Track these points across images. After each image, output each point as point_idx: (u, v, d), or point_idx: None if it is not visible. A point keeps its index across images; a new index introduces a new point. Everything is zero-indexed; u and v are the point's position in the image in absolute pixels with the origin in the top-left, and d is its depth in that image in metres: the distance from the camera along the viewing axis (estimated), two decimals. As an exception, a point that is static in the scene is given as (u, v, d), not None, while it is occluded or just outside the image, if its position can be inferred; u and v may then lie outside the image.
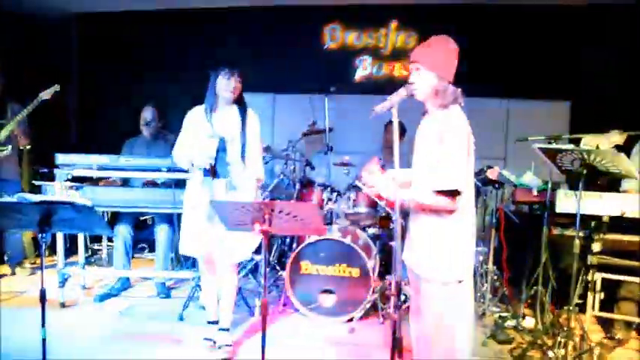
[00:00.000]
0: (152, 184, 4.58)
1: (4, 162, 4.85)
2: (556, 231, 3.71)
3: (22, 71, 5.23)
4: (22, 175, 5.15)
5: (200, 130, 3.40)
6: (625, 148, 3.88)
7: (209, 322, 3.63)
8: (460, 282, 2.45)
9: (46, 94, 4.65)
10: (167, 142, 4.86)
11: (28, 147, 5.07)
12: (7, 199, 2.64)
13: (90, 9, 6.44)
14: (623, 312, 3.66)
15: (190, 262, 4.84)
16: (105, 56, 6.58)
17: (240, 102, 3.47)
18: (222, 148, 3.35)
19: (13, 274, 5.17)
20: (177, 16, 6.40)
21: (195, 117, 3.48)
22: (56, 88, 4.67)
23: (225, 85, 3.36)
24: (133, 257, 4.77)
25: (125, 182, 4.74)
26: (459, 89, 2.47)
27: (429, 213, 2.45)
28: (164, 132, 4.95)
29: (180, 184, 4.23)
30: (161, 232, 4.66)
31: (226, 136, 3.36)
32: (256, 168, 3.48)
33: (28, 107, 4.66)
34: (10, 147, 4.80)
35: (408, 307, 4.10)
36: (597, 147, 3.81)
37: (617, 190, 3.80)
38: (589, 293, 3.53)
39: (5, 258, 5.22)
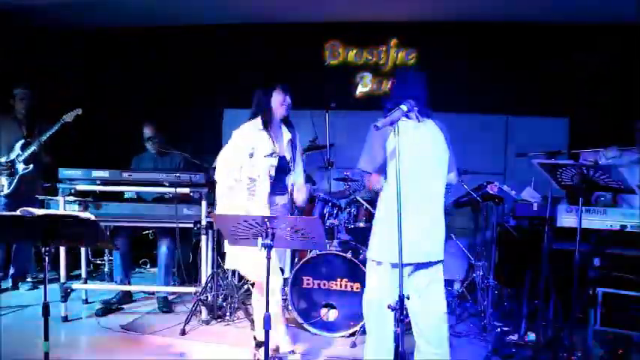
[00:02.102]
0: (160, 199, 4.60)
1: (28, 179, 5.00)
2: (557, 245, 3.71)
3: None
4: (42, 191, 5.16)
5: (257, 148, 3.35)
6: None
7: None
8: (378, 263, 3.02)
9: (68, 117, 4.83)
10: (173, 157, 4.93)
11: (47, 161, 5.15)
12: (11, 212, 2.65)
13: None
14: (624, 326, 3.65)
15: (192, 277, 4.85)
16: (110, 72, 6.65)
17: (287, 119, 3.53)
18: (282, 166, 3.45)
19: (16, 288, 5.18)
20: (179, 33, 6.47)
21: (248, 134, 3.40)
22: (78, 111, 4.85)
23: (282, 100, 3.40)
24: (134, 271, 4.77)
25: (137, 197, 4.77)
26: (393, 110, 2.68)
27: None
28: (169, 148, 4.97)
29: (184, 198, 4.28)
30: (163, 246, 4.67)
31: (283, 154, 3.45)
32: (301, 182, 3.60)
33: (51, 129, 4.84)
34: (32, 166, 4.99)
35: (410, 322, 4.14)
36: (596, 162, 3.85)
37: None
38: (590, 307, 3.53)
39: (11, 271, 5.23)
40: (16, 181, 4.93)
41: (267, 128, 3.39)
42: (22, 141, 4.99)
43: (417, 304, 2.96)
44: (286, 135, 3.52)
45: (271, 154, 3.36)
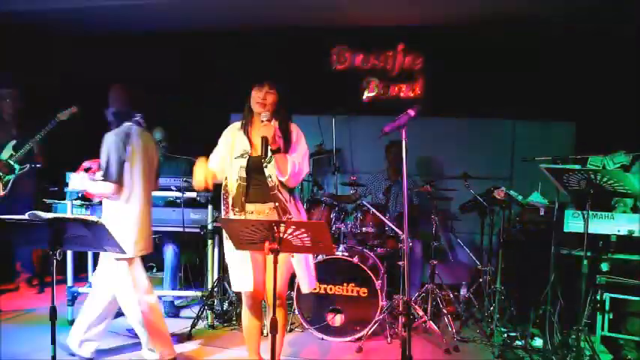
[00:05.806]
0: (172, 203, 4.61)
1: (22, 180, 4.96)
2: (564, 251, 3.70)
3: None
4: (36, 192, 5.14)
5: (236, 147, 3.11)
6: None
7: None
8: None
9: (63, 116, 4.78)
10: (179, 162, 4.94)
11: (39, 165, 5.09)
12: (19, 216, 2.66)
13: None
14: (632, 332, 3.63)
15: (198, 282, 4.86)
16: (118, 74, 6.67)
17: (281, 117, 3.07)
18: (254, 167, 3.06)
19: (17, 289, 5.19)
20: (186, 38, 6.49)
21: (230, 131, 3.20)
22: (73, 110, 4.79)
23: (256, 96, 3.07)
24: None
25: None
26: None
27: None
28: (175, 152, 4.98)
29: (191, 203, 4.29)
30: (169, 251, 4.68)
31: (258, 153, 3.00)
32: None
33: (45, 128, 4.80)
34: (27, 166, 4.95)
35: (416, 327, 4.14)
36: (604, 167, 3.84)
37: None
38: (598, 313, 3.51)
39: (26, 275, 5.26)
40: (11, 182, 4.89)
41: (243, 127, 3.15)
42: (14, 141, 4.94)
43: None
44: (266, 132, 2.92)
45: (241, 155, 3.08)
